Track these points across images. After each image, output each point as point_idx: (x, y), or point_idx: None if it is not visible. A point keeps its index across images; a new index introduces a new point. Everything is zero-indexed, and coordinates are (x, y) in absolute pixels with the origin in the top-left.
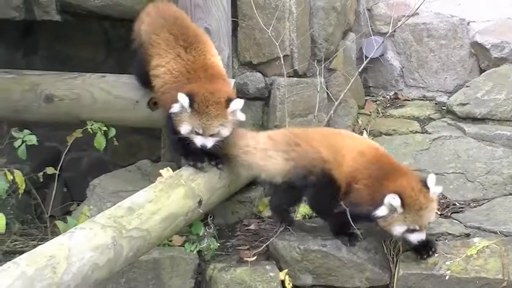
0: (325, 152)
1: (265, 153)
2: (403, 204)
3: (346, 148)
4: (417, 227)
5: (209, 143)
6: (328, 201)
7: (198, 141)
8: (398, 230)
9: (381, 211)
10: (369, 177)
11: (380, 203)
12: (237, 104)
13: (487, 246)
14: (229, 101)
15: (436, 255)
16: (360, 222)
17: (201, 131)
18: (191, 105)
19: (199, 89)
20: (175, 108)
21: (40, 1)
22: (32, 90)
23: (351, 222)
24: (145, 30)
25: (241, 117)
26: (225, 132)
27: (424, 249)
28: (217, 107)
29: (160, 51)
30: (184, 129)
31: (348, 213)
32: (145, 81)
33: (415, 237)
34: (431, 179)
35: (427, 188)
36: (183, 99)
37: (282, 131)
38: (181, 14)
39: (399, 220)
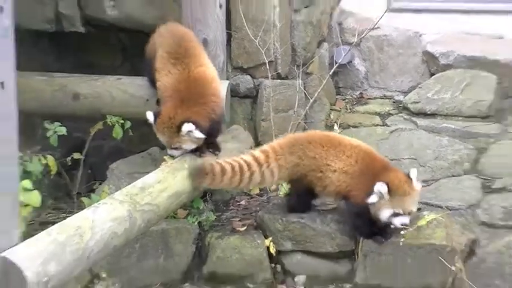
0: (315, 179)
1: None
2: (389, 191)
3: (334, 173)
4: (401, 211)
5: (176, 153)
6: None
7: (168, 150)
8: (385, 213)
9: (372, 198)
10: (362, 184)
11: (371, 193)
12: (188, 127)
13: (435, 218)
14: (180, 125)
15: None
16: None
17: (165, 144)
18: (155, 122)
19: (164, 111)
20: (150, 120)
21: (68, 15)
22: (61, 90)
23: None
24: (156, 47)
25: (198, 135)
26: (188, 146)
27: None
28: (169, 130)
29: (159, 69)
30: (158, 137)
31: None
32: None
33: (399, 220)
34: (413, 172)
35: (410, 179)
36: (150, 117)
37: (272, 160)
38: (183, 32)
39: (386, 205)
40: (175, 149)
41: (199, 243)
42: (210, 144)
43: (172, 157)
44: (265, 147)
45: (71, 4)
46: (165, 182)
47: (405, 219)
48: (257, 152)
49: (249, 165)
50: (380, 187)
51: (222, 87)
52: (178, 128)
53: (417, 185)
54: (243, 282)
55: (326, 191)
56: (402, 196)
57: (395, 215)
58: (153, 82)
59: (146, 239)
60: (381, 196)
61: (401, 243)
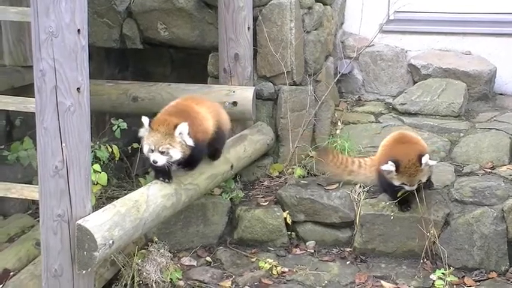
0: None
1: (366, 173)
2: (397, 170)
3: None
4: (407, 184)
5: (160, 159)
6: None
7: (151, 157)
8: (395, 183)
9: (385, 167)
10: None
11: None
12: (183, 127)
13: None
14: (176, 125)
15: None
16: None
17: (152, 147)
18: (149, 125)
19: (160, 116)
20: (141, 132)
21: (130, 36)
22: (124, 94)
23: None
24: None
25: (188, 139)
26: (175, 153)
27: (404, 205)
28: (164, 128)
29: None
30: (144, 149)
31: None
32: None
33: (406, 188)
34: (424, 158)
35: (420, 162)
36: (145, 120)
37: (367, 161)
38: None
39: (395, 178)
40: (162, 153)
41: (231, 214)
42: (164, 175)
43: (155, 163)
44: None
45: (132, 28)
46: (203, 167)
47: (410, 188)
48: (356, 162)
49: (352, 161)
50: (390, 166)
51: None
52: (174, 127)
53: (429, 162)
54: (265, 245)
55: None
56: (408, 176)
57: (403, 184)
58: None
59: (189, 211)
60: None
61: (392, 217)
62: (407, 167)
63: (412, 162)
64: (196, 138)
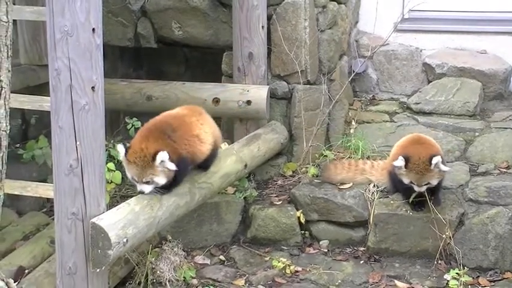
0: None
1: (377, 175)
2: (406, 166)
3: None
4: (414, 182)
5: (146, 189)
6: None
7: (137, 187)
8: (404, 180)
9: (396, 162)
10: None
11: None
12: (162, 156)
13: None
14: (155, 155)
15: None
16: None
17: (136, 178)
18: (125, 155)
19: (134, 143)
20: (121, 157)
21: (144, 35)
22: (138, 93)
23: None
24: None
25: (171, 166)
26: (160, 180)
27: (417, 205)
28: (143, 160)
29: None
30: (127, 174)
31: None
32: None
33: (414, 188)
34: (435, 159)
35: (430, 163)
36: (120, 150)
37: (380, 163)
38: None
39: (404, 175)
40: (147, 183)
41: (244, 213)
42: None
43: (143, 193)
44: (370, 162)
45: (147, 27)
46: (217, 165)
47: (417, 188)
48: (368, 162)
49: (364, 161)
50: (399, 161)
51: None
52: (153, 158)
53: (440, 166)
54: (278, 244)
55: None
56: (415, 173)
57: (411, 183)
58: None
59: (203, 210)
60: (401, 166)
61: (406, 217)
62: (417, 164)
63: (422, 160)
64: (180, 157)
